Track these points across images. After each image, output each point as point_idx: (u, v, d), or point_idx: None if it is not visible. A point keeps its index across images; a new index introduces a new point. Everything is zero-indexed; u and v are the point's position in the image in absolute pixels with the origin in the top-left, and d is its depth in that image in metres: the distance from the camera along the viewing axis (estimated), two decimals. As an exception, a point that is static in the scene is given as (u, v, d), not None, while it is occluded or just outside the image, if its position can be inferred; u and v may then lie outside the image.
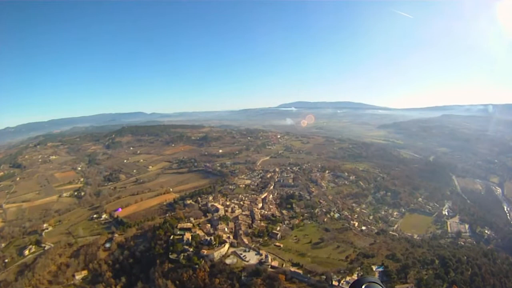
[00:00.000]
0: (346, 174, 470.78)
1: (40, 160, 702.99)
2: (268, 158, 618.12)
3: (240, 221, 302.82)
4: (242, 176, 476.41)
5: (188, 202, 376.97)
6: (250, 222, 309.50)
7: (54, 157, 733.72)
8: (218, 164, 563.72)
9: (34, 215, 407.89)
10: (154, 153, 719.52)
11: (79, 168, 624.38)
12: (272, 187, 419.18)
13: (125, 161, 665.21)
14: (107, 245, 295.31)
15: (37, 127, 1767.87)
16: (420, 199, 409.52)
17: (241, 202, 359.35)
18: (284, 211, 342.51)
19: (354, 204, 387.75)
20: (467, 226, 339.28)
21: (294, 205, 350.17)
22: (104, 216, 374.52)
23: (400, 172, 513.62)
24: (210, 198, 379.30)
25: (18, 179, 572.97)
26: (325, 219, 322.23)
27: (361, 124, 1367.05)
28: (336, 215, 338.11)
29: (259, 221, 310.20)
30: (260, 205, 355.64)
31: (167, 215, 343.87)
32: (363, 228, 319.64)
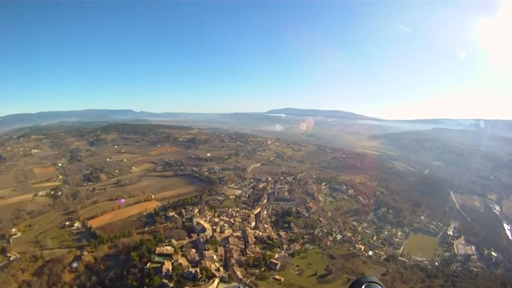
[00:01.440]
0: (344, 187, 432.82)
1: (21, 153, 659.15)
2: (259, 165, 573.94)
3: (231, 245, 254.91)
4: (232, 185, 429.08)
5: (171, 214, 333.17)
6: (243, 246, 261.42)
7: (36, 150, 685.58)
8: (205, 169, 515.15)
9: (6, 215, 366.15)
10: (139, 152, 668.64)
11: (60, 164, 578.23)
12: (265, 200, 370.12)
13: (108, 159, 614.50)
14: (74, 264, 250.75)
15: (25, 119, 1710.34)
16: (422, 217, 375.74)
17: (232, 219, 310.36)
18: (281, 232, 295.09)
19: (355, 223, 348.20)
20: (473, 247, 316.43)
21: (292, 224, 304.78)
22: (76, 224, 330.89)
23: (398, 187, 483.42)
24: (196, 211, 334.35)
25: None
26: (328, 242, 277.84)
27: (352, 133, 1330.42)
28: (339, 237, 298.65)
29: (253, 245, 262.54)
30: (254, 223, 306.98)
31: (146, 229, 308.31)
32: (370, 253, 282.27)
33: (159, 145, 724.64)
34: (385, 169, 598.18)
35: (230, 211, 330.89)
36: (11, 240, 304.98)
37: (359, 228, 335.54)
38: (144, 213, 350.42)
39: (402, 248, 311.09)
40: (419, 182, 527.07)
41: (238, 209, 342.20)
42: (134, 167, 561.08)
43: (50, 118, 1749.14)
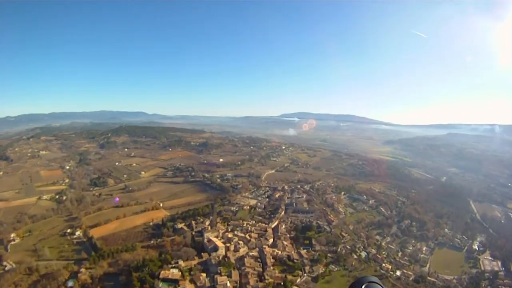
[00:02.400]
0: (365, 197, 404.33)
1: (29, 154, 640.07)
2: (273, 171, 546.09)
3: (247, 268, 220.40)
4: (246, 194, 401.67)
5: (180, 226, 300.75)
6: (261, 269, 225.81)
7: (44, 152, 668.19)
8: (218, 176, 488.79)
9: (8, 218, 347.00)
10: (149, 156, 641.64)
11: (67, 167, 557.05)
12: (283, 212, 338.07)
13: (117, 163, 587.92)
14: (70, 283, 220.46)
15: (37, 119, 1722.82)
16: (446, 230, 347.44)
17: (247, 235, 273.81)
18: (302, 251, 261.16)
19: (378, 237, 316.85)
20: (499, 263, 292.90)
21: (313, 241, 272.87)
22: (78, 233, 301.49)
23: (418, 196, 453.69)
24: (207, 223, 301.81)
25: (1, 173, 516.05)
26: (353, 262, 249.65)
27: (365, 138, 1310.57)
28: (363, 254, 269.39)
29: (271, 267, 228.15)
30: (271, 240, 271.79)
31: (152, 242, 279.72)
32: (398, 273, 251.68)
33: (170, 149, 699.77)
34: (402, 176, 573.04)
35: (245, 225, 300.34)
36: (9, 247, 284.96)
37: (383, 243, 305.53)
38: (151, 223, 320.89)
39: (428, 265, 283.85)
40: (438, 191, 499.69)
41: (254, 222, 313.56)
42: (143, 172, 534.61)
43: (62, 119, 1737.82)
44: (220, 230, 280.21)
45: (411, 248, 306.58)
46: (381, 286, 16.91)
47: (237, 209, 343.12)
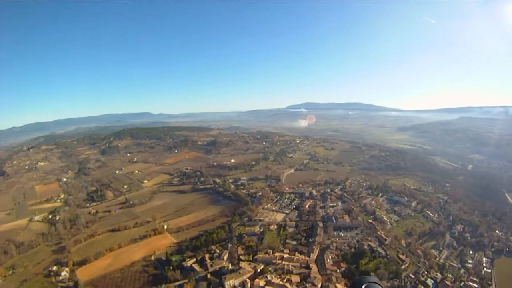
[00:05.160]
0: (405, 198, 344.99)
1: (26, 167, 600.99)
2: (292, 170, 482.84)
3: None
4: (269, 205, 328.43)
5: (189, 263, 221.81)
6: None
7: (42, 163, 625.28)
8: (230, 180, 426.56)
9: None
10: (153, 161, 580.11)
11: (64, 180, 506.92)
12: (322, 232, 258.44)
13: (117, 171, 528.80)
14: None
15: (42, 127, 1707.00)
16: (497, 231, 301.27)
17: (286, 282, 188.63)
18: None
19: (434, 251, 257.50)
20: None
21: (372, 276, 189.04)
22: (64, 273, 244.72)
23: (454, 190, 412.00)
24: (225, 257, 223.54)
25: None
26: None
27: (377, 126, 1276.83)
28: (430, 283, 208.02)
29: None
30: (319, 285, 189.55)
31: None
32: None
33: (176, 151, 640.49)
34: (429, 167, 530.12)
35: (278, 260, 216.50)
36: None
37: (442, 260, 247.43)
38: (152, 257, 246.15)
39: (493, 282, 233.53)
40: (471, 182, 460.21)
41: (287, 250, 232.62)
42: (146, 181, 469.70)
43: (67, 125, 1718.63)
44: (245, 274, 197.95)
45: (470, 261, 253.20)
46: (381, 286, 16.89)
47: (261, 230, 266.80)
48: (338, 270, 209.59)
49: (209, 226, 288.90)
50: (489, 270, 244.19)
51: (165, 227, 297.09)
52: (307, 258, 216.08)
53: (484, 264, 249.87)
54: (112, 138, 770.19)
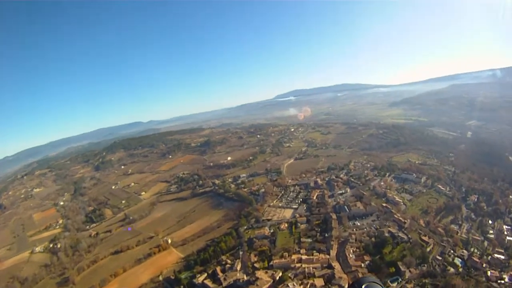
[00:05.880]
0: (414, 175, 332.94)
1: (22, 196, 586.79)
2: (292, 160, 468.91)
3: None
4: (275, 202, 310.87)
5: (200, 279, 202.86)
6: None
7: (38, 189, 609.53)
8: (230, 179, 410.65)
9: None
10: (148, 170, 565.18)
11: (61, 203, 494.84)
12: (337, 224, 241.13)
13: (113, 187, 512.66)
14: None
15: (35, 152, 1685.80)
16: (511, 197, 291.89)
17: (306, 286, 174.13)
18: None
19: (454, 226, 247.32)
20: None
21: (399, 265, 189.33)
22: None
23: (459, 160, 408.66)
24: (238, 267, 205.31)
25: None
26: (457, 282, 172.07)
27: (368, 104, 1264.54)
28: (458, 262, 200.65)
29: None
30: (346, 286, 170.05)
31: None
32: (505, 278, 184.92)
33: (170, 156, 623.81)
34: (429, 139, 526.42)
35: (295, 261, 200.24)
36: None
37: (465, 235, 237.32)
38: (160, 278, 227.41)
39: None
40: (473, 150, 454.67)
41: (304, 250, 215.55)
42: (143, 192, 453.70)
43: (60, 146, 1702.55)
44: (263, 285, 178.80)
45: (492, 232, 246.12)
46: (381, 286, 16.93)
47: (272, 231, 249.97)
48: (363, 265, 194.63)
49: (215, 233, 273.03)
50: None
51: (169, 241, 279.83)
52: (327, 256, 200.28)
53: (505, 233, 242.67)
54: (104, 153, 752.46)
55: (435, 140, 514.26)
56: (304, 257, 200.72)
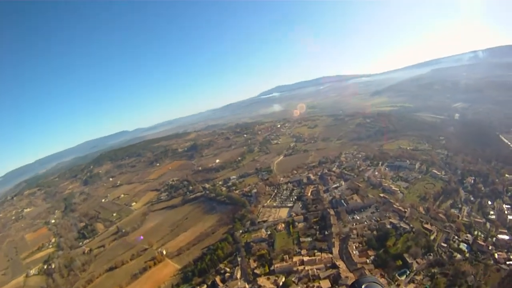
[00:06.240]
0: (408, 162, 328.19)
1: (13, 217, 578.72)
2: (281, 157, 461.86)
3: None
4: (268, 202, 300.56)
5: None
6: None
7: (28, 209, 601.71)
8: (220, 182, 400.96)
9: None
10: (137, 180, 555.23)
11: (53, 221, 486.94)
12: (336, 220, 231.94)
13: (103, 200, 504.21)
14: None
15: (25, 171, 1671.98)
16: (507, 175, 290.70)
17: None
18: (401, 281, 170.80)
19: (454, 210, 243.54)
20: None
21: (406, 256, 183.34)
22: None
23: (450, 143, 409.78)
24: (238, 274, 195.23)
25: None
26: (466, 268, 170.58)
27: (351, 95, 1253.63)
28: (464, 247, 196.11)
29: None
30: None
31: None
32: (510, 262, 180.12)
33: (157, 164, 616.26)
34: (417, 124, 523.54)
35: (297, 264, 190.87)
36: None
37: (466, 219, 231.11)
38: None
39: None
40: (463, 131, 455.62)
41: (305, 250, 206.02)
42: (134, 203, 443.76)
43: (49, 163, 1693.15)
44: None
45: (492, 213, 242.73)
46: (381, 286, 16.72)
47: (269, 233, 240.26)
48: (368, 261, 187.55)
49: (211, 240, 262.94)
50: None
51: (164, 252, 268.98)
52: (330, 255, 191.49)
53: (506, 212, 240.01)
54: (92, 166, 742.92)
55: (423, 125, 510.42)
56: (306, 258, 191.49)
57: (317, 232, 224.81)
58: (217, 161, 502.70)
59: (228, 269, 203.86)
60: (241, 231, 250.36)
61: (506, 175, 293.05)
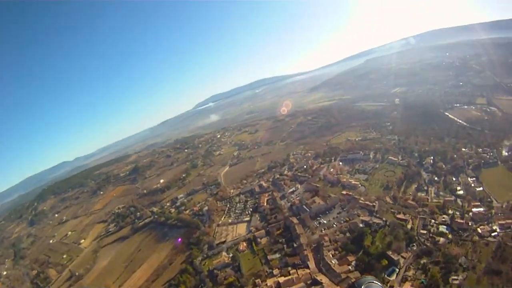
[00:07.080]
0: (361, 153, 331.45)
1: None
2: (227, 168, 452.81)
3: None
4: (223, 219, 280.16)
5: None
6: None
7: None
8: (168, 203, 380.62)
9: None
10: (82, 213, 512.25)
11: (4, 273, 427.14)
12: (301, 229, 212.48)
13: (51, 241, 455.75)
14: None
15: None
16: (464, 149, 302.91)
17: None
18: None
19: (421, 194, 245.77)
20: None
21: (391, 254, 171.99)
22: None
23: (398, 128, 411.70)
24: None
25: None
26: (455, 251, 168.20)
27: (289, 94, 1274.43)
28: (443, 229, 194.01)
29: None
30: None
31: None
32: (497, 229, 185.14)
33: (101, 192, 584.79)
34: (359, 114, 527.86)
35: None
36: None
37: (435, 199, 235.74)
38: None
39: (492, 197, 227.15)
40: (408, 114, 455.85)
41: (277, 270, 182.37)
42: (82, 240, 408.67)
43: None
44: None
45: (459, 188, 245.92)
46: (381, 286, 17.18)
47: (231, 255, 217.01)
48: (350, 268, 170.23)
49: (170, 273, 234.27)
50: (481, 188, 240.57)
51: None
52: (308, 271, 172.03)
53: (473, 185, 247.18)
54: (36, 203, 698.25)
55: (366, 114, 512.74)
56: (281, 279, 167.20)
57: (284, 245, 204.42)
58: (161, 181, 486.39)
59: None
60: (200, 258, 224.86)
61: (463, 149, 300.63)
